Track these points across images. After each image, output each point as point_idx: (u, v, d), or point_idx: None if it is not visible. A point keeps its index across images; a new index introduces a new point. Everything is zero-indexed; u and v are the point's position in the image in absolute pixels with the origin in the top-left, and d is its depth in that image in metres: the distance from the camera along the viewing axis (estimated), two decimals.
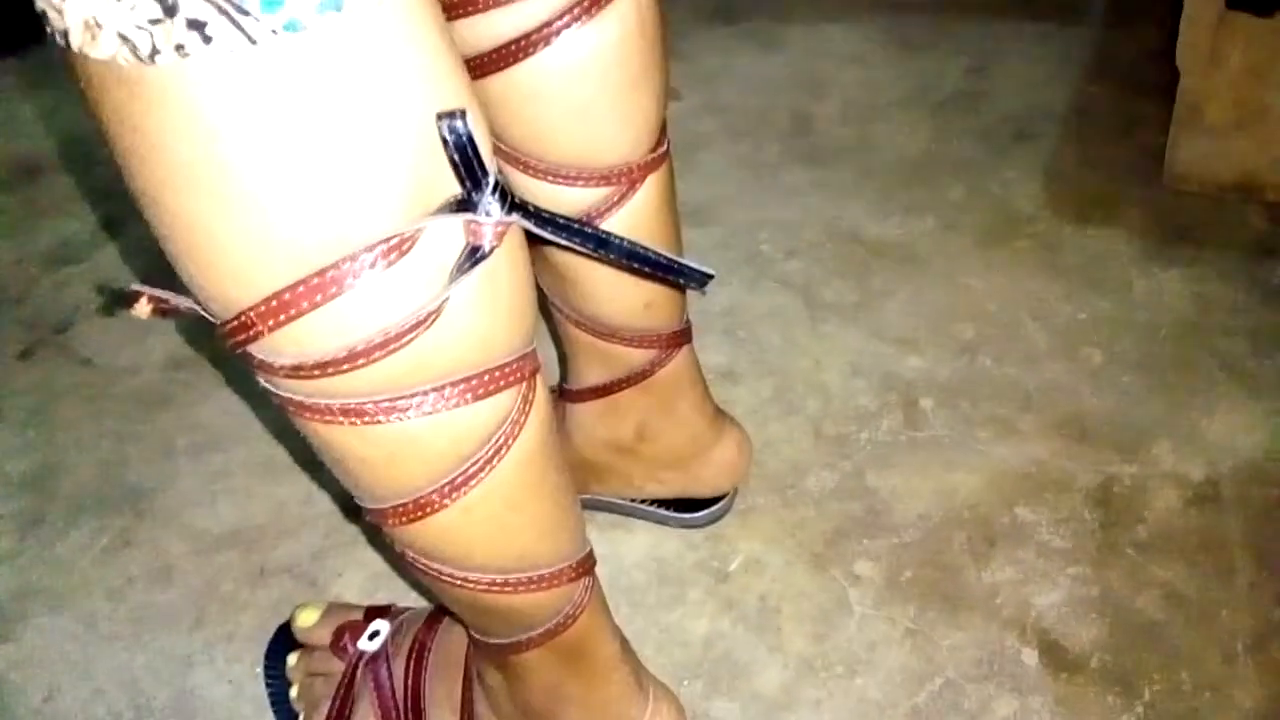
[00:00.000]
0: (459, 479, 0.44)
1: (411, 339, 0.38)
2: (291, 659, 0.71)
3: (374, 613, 0.71)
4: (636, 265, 0.43)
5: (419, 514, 0.45)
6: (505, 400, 0.43)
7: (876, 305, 0.95)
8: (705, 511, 0.78)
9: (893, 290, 0.96)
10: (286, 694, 0.71)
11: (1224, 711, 0.63)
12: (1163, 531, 0.73)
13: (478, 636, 0.56)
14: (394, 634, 0.68)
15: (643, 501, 0.79)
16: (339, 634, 0.69)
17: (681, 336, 0.69)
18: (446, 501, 0.44)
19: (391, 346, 0.38)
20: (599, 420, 0.73)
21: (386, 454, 0.42)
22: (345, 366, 0.38)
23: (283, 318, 0.37)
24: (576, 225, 0.41)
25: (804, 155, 1.14)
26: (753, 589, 0.75)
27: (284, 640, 0.74)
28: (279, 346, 0.38)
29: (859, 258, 1.00)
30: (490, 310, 0.41)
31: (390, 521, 0.46)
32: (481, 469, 0.44)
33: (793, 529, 0.78)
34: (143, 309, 0.42)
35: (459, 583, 0.49)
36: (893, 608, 0.72)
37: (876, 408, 0.86)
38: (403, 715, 0.64)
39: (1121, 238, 0.97)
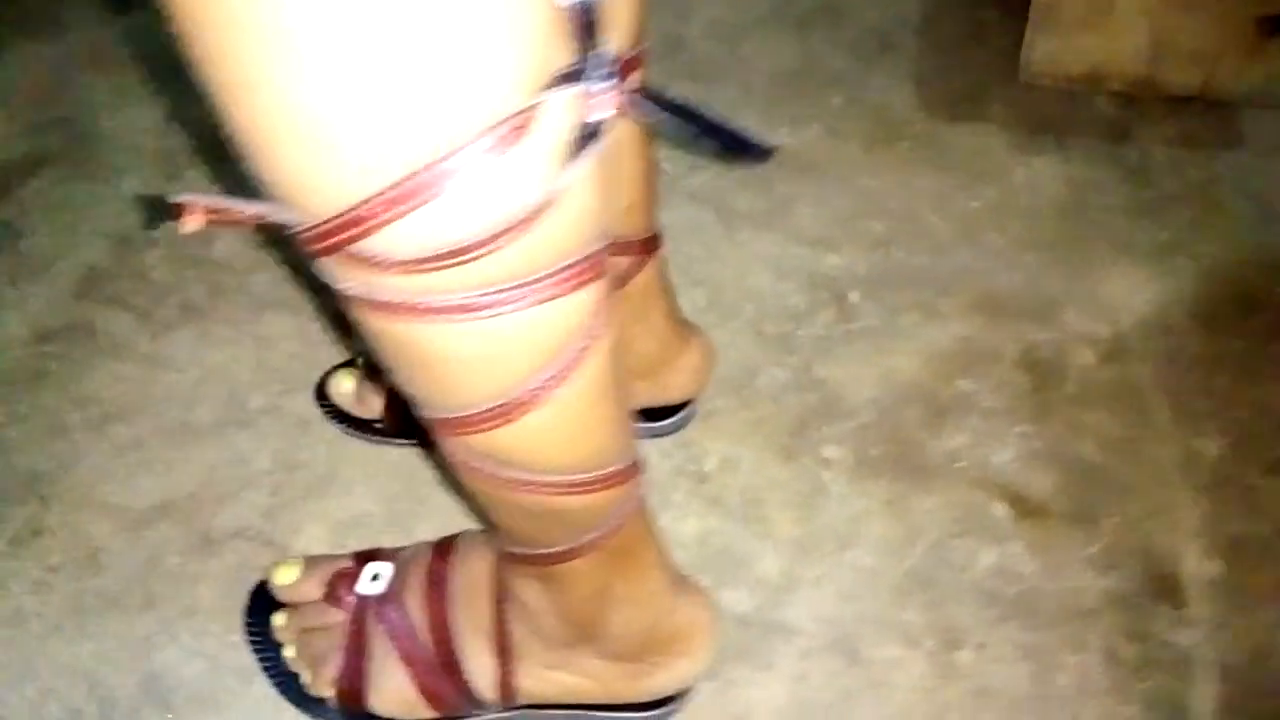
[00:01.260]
0: (558, 373, 0.42)
1: (535, 222, 0.37)
2: (278, 619, 0.67)
3: (365, 557, 0.67)
4: (710, 138, 0.43)
5: (511, 416, 0.43)
6: (602, 286, 0.42)
7: (786, 211, 0.98)
8: (674, 418, 0.79)
9: (798, 195, 0.99)
10: (279, 656, 0.66)
11: (1172, 531, 0.71)
12: (1087, 386, 0.81)
13: (524, 550, 0.54)
14: (397, 574, 0.65)
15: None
16: (333, 584, 0.66)
17: (655, 242, 0.69)
18: (542, 399, 0.43)
19: (515, 231, 0.36)
20: None
21: (489, 352, 0.41)
22: (466, 256, 0.36)
23: (403, 208, 0.35)
24: (670, 100, 0.41)
25: (683, 74, 1.15)
26: (732, 485, 0.77)
27: (262, 603, 0.69)
28: (393, 241, 0.36)
29: (759, 168, 1.03)
30: (599, 189, 0.40)
31: (476, 428, 0.44)
32: (579, 360, 0.43)
33: (756, 425, 0.80)
34: (194, 221, 0.37)
35: (534, 488, 0.47)
36: (866, 484, 0.76)
37: (808, 305, 0.89)
38: (429, 651, 0.62)
39: (993, 131, 1.04)
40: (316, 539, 0.75)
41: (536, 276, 0.39)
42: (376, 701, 0.63)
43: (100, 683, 0.68)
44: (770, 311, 0.89)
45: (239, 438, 0.82)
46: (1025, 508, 0.74)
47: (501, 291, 0.38)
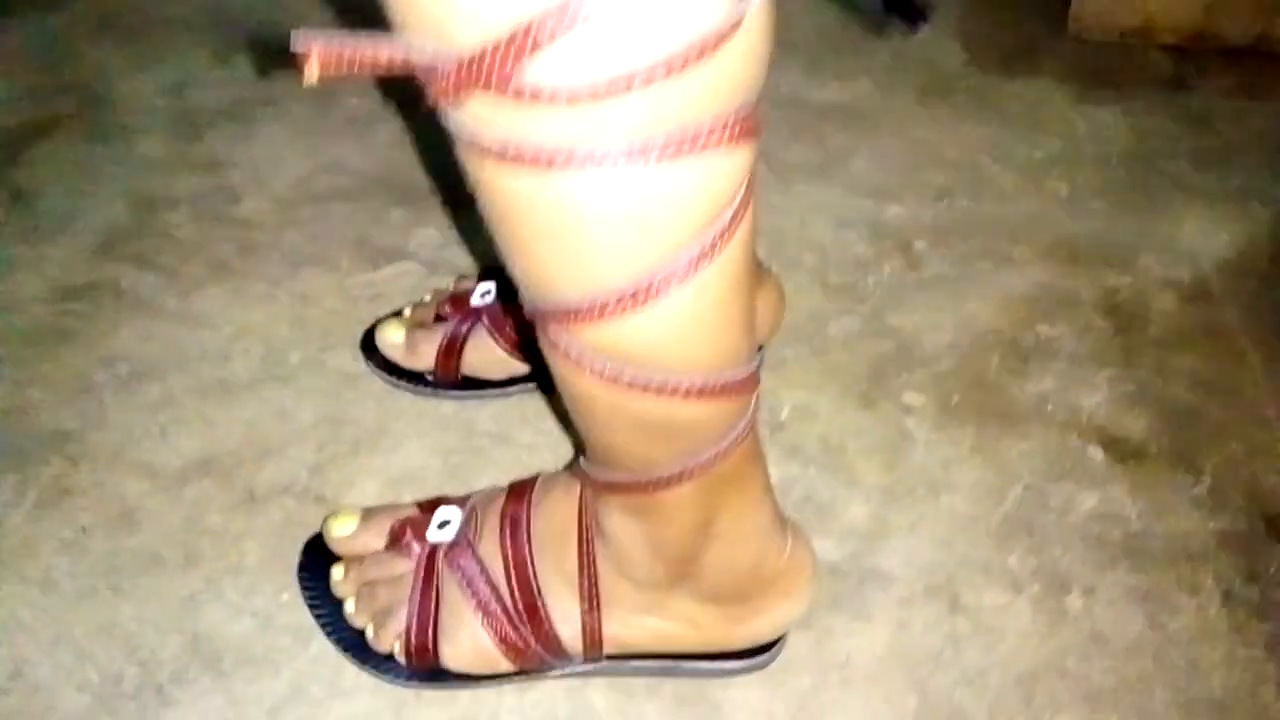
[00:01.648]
0: (705, 248, 0.38)
1: (715, 51, 0.33)
2: (336, 573, 0.62)
3: (431, 505, 0.63)
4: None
5: (648, 297, 0.39)
6: (751, 150, 0.38)
7: (841, 163, 0.94)
8: None
9: (853, 148, 0.95)
10: (338, 613, 0.61)
11: (1278, 471, 0.68)
12: (1172, 329, 0.77)
13: (624, 479, 0.50)
14: (467, 519, 0.60)
15: None
16: (398, 533, 0.61)
17: None
18: (685, 277, 0.39)
19: (694, 59, 0.32)
20: None
21: (641, 215, 0.36)
22: (638, 83, 0.32)
23: (572, 21, 0.31)
24: None
25: None
26: (810, 433, 0.72)
27: (317, 557, 0.64)
28: (558, 65, 0.31)
29: (809, 121, 0.99)
30: (768, 31, 0.36)
31: (605, 317, 0.39)
32: (727, 235, 0.39)
33: (830, 373, 0.76)
34: (318, 66, 0.33)
35: (655, 392, 0.43)
36: (952, 430, 0.72)
37: (873, 255, 0.85)
38: (508, 598, 0.57)
39: (1049, 85, 1.01)
40: (369, 494, 0.70)
41: (705, 120, 0.35)
42: (450, 655, 0.58)
43: (141, 645, 0.62)
44: (834, 261, 0.85)
45: (280, 394, 0.77)
46: (1122, 451, 0.70)
47: (665, 135, 0.34)
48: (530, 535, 0.57)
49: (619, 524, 0.53)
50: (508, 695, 0.60)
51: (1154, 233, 0.85)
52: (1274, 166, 0.90)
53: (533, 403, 0.75)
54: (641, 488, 0.50)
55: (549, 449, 0.72)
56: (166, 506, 0.70)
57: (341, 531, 0.63)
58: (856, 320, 0.80)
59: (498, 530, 0.58)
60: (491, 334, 0.73)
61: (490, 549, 0.58)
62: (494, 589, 0.57)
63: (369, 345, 0.78)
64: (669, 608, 0.56)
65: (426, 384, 0.76)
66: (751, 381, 0.47)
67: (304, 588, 0.63)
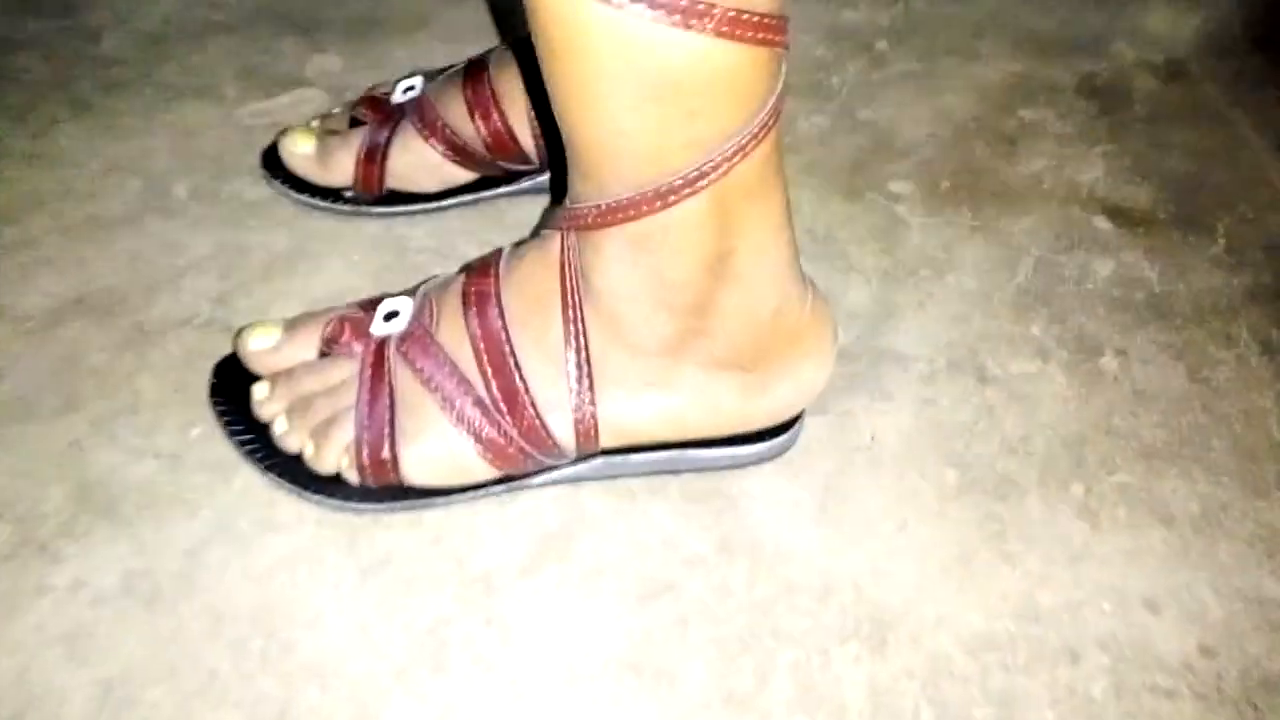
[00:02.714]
0: None
1: None
2: (259, 390, 0.51)
3: (369, 304, 0.52)
4: None
5: None
6: None
7: None
8: None
9: None
10: (266, 437, 0.50)
11: None
12: (1157, 106, 0.72)
13: (630, 196, 0.41)
14: (420, 307, 0.50)
15: None
16: (334, 334, 0.50)
17: None
18: None
19: None
20: None
21: None
22: None
23: None
24: None
25: None
26: (798, 221, 0.64)
27: (231, 380, 0.53)
28: None
29: None
30: None
31: None
32: None
33: (808, 168, 0.68)
34: None
35: (690, 12, 0.34)
36: (947, 212, 0.65)
37: (834, 56, 0.78)
38: (481, 388, 0.47)
39: None
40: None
41: None
42: (412, 466, 0.48)
43: (13, 500, 0.50)
44: (794, 64, 0.76)
45: (165, 226, 0.65)
46: (1130, 219, 0.64)
47: None
48: (503, 310, 0.47)
49: (616, 272, 0.44)
50: (484, 510, 0.50)
51: (1121, 23, 0.80)
52: None
53: (475, 215, 0.65)
54: (648, 202, 0.41)
55: None
56: (33, 350, 0.57)
57: (261, 344, 0.52)
58: (826, 118, 0.72)
59: (461, 311, 0.48)
60: (421, 133, 0.62)
61: (453, 333, 0.48)
62: (462, 379, 0.47)
63: (273, 163, 0.66)
64: (675, 380, 0.47)
65: (344, 201, 0.64)
66: (784, 28, 0.38)
67: (220, 414, 0.52)
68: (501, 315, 0.47)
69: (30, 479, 0.51)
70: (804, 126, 0.71)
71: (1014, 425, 0.53)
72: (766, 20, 0.36)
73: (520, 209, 0.66)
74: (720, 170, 0.40)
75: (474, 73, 0.62)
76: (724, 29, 0.35)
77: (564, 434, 0.47)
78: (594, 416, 0.47)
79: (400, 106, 0.63)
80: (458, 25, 0.81)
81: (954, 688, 0.43)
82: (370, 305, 0.52)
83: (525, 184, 0.65)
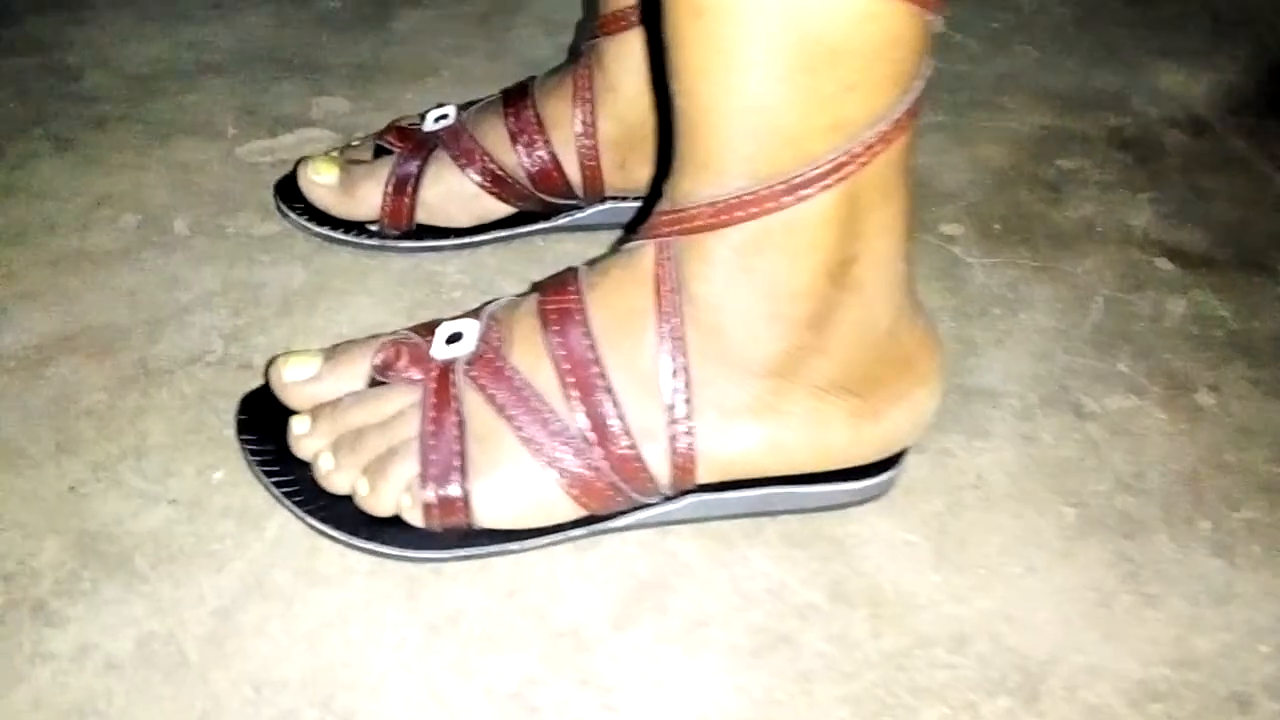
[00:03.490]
0: None
1: None
2: (298, 425, 0.45)
3: (425, 327, 0.46)
4: None
5: None
6: None
7: None
8: None
9: None
10: (303, 476, 0.44)
11: None
12: (1190, 157, 0.72)
13: (755, 190, 0.37)
14: (488, 329, 0.45)
15: None
16: (388, 361, 0.45)
17: None
18: None
19: None
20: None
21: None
22: None
23: None
24: None
25: None
26: None
27: (263, 415, 0.46)
28: None
29: None
30: None
31: None
32: None
33: None
34: None
35: None
36: (1005, 253, 0.62)
37: None
38: (566, 415, 0.41)
39: None
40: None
41: None
42: (488, 505, 0.42)
43: (5, 555, 0.42)
44: None
45: (165, 261, 0.58)
46: (1190, 260, 0.62)
47: None
48: (589, 328, 0.42)
49: (725, 281, 0.39)
50: (561, 557, 0.44)
51: (1136, 83, 0.80)
52: (1217, 31, 0.88)
53: (509, 252, 0.60)
54: (777, 196, 0.37)
55: None
56: (19, 390, 0.50)
57: (299, 374, 0.46)
58: None
59: (539, 330, 0.43)
60: (457, 161, 0.58)
61: (529, 355, 0.43)
62: (542, 405, 0.42)
63: (289, 194, 0.61)
64: (782, 405, 0.42)
65: (369, 234, 0.59)
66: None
67: (250, 453, 0.45)
68: (588, 334, 0.42)
69: (20, 530, 0.43)
70: None
71: (1123, 461, 0.49)
72: None
73: (558, 246, 0.61)
74: (860, 159, 0.36)
75: (515, 100, 0.58)
76: None
77: (660, 467, 0.42)
78: (693, 447, 0.42)
79: (433, 135, 0.59)
80: (467, 72, 0.78)
81: None
82: (426, 329, 0.46)
83: (562, 221, 0.61)
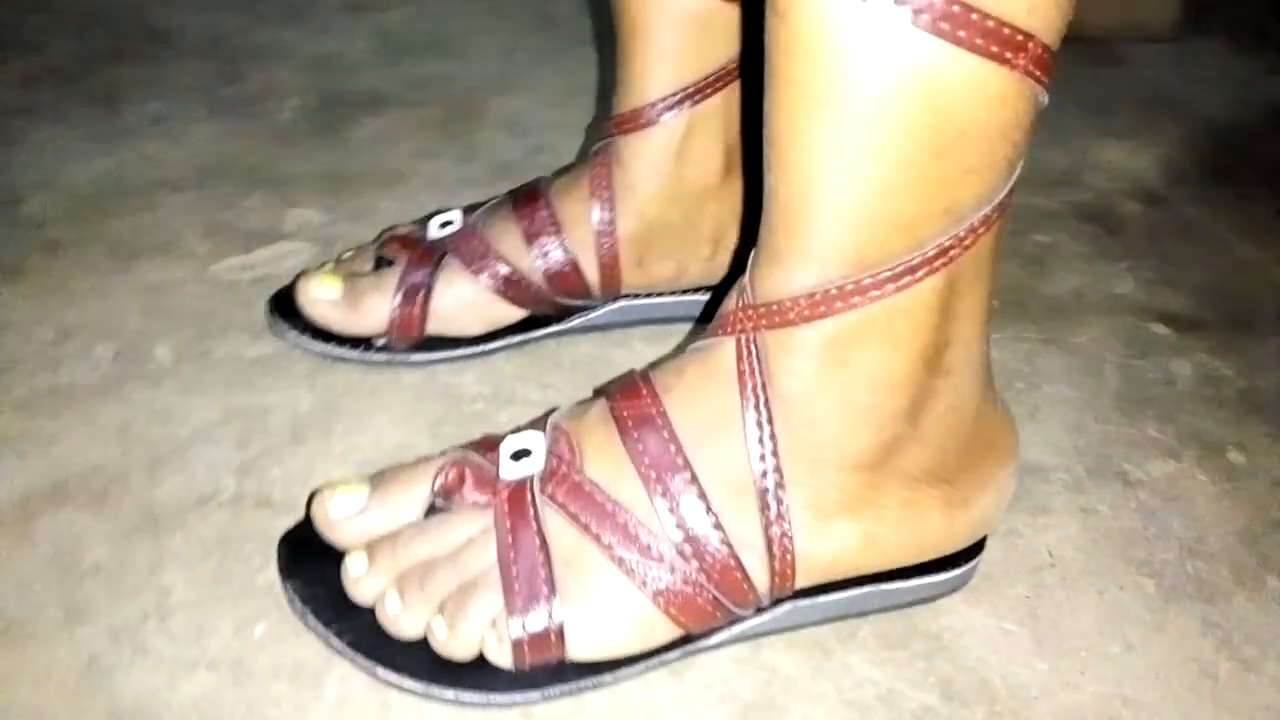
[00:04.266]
0: None
1: None
2: (354, 565, 0.41)
3: (485, 444, 0.43)
4: None
5: None
6: None
7: None
8: None
9: None
10: (369, 622, 0.40)
11: None
12: (1153, 227, 0.75)
13: (859, 279, 0.36)
14: (556, 440, 0.42)
15: (684, 292, 0.60)
16: (452, 484, 0.41)
17: None
18: None
19: None
20: (677, 151, 0.54)
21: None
22: None
23: None
24: None
25: None
26: None
27: (307, 558, 0.42)
28: None
29: None
30: None
31: None
32: None
33: None
34: None
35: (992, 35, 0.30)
36: (1010, 327, 0.63)
37: None
38: (659, 528, 0.39)
39: None
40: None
41: None
42: (583, 636, 0.39)
43: None
44: None
45: (152, 394, 0.54)
46: (1183, 323, 0.64)
47: None
48: (673, 432, 0.40)
49: (819, 375, 0.38)
50: (657, 685, 0.40)
51: (1083, 160, 0.84)
52: (1146, 109, 0.94)
53: (524, 358, 0.58)
54: (881, 285, 0.36)
55: (577, 398, 0.54)
56: (10, 553, 0.44)
57: (346, 508, 0.42)
58: None
59: (616, 439, 0.41)
60: (470, 267, 0.55)
61: (608, 466, 0.40)
62: (630, 520, 0.39)
63: (283, 310, 0.57)
64: (877, 499, 0.41)
65: (376, 349, 0.56)
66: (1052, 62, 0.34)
67: (299, 601, 0.41)
68: (673, 438, 0.40)
69: (38, 716, 0.37)
70: None
71: (1181, 526, 0.49)
72: (1054, 57, 0.33)
73: (574, 348, 0.59)
74: (965, 243, 0.36)
75: (527, 201, 0.56)
76: (1033, 68, 0.32)
77: (759, 576, 0.40)
78: (791, 553, 0.40)
79: (440, 242, 0.56)
80: (439, 177, 0.76)
81: None
82: (486, 446, 0.43)
83: (575, 322, 0.59)
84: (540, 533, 0.39)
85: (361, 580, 0.40)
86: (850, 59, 0.31)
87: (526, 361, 0.58)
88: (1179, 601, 0.45)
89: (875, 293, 0.36)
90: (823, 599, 0.42)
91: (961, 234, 0.36)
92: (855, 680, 0.41)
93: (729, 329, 0.40)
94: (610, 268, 0.56)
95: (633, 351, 0.59)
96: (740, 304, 0.39)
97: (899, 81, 0.31)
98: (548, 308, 0.57)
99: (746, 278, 0.40)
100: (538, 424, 0.43)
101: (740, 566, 0.39)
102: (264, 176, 0.74)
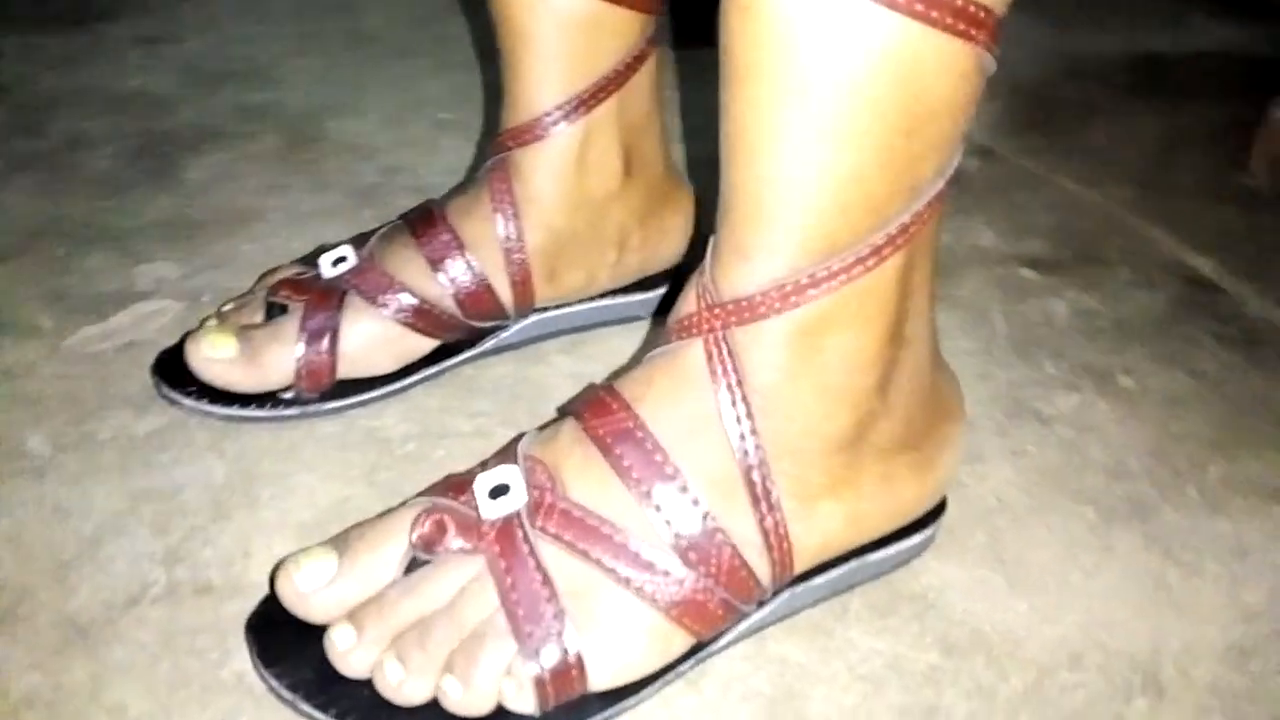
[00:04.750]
0: None
1: None
2: (341, 638, 0.38)
3: (454, 485, 0.41)
4: None
5: None
6: None
7: None
8: (666, 288, 0.62)
9: None
10: (369, 696, 0.37)
11: (1176, 239, 0.72)
12: (994, 179, 0.80)
13: (827, 265, 0.36)
14: (533, 470, 0.40)
15: (604, 295, 0.59)
16: (433, 535, 0.39)
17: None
18: None
19: None
20: (577, 159, 0.53)
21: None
22: None
23: None
24: None
25: None
26: None
27: (281, 638, 0.39)
28: None
29: None
30: None
31: None
32: None
33: None
34: None
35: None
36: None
37: None
38: (662, 540, 0.38)
39: None
40: (281, 556, 0.45)
41: None
42: (603, 666, 0.38)
43: None
44: None
45: (38, 491, 0.48)
46: (1046, 265, 0.69)
47: None
48: (656, 443, 0.39)
49: (795, 362, 0.38)
50: (677, 701, 0.40)
51: None
52: None
53: (442, 389, 0.55)
54: (850, 269, 0.36)
55: (516, 425, 0.53)
56: None
57: (316, 578, 0.39)
58: None
59: (596, 457, 0.39)
60: (375, 303, 0.52)
61: (593, 488, 0.39)
62: (630, 538, 0.38)
63: (172, 376, 0.52)
64: (855, 476, 0.41)
65: (286, 404, 0.52)
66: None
67: (288, 691, 0.38)
68: (657, 448, 0.39)
69: None
70: None
71: (1100, 453, 0.53)
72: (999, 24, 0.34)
73: (491, 371, 0.57)
74: (923, 217, 0.37)
75: (424, 225, 0.54)
76: (990, 42, 0.33)
77: (762, 570, 0.40)
78: (786, 540, 0.40)
79: (337, 280, 0.53)
80: (295, 210, 0.71)
81: (1253, 709, 0.40)
82: (454, 488, 0.41)
83: (488, 344, 0.57)
84: (540, 567, 0.38)
85: (353, 653, 0.37)
86: (826, 46, 0.31)
87: (447, 392, 0.55)
88: (1118, 522, 0.49)
89: (844, 277, 0.36)
90: (815, 581, 0.43)
91: (920, 209, 0.37)
92: (861, 655, 0.42)
93: (695, 330, 0.39)
94: (523, 284, 0.54)
95: (551, 366, 0.58)
96: (705, 304, 0.39)
97: (874, 65, 0.32)
98: (459, 333, 0.55)
99: (707, 275, 0.39)
100: (504, 457, 0.42)
101: (746, 565, 0.39)
102: (98, 233, 0.67)
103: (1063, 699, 0.40)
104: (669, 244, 0.60)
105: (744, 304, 0.37)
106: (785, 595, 0.42)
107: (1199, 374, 0.59)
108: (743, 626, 0.41)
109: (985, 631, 0.43)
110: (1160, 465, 0.52)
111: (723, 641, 0.41)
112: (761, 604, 0.41)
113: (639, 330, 0.60)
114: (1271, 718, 0.40)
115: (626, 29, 0.51)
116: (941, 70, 0.32)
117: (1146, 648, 0.43)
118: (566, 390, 0.54)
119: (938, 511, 0.46)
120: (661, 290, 0.62)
